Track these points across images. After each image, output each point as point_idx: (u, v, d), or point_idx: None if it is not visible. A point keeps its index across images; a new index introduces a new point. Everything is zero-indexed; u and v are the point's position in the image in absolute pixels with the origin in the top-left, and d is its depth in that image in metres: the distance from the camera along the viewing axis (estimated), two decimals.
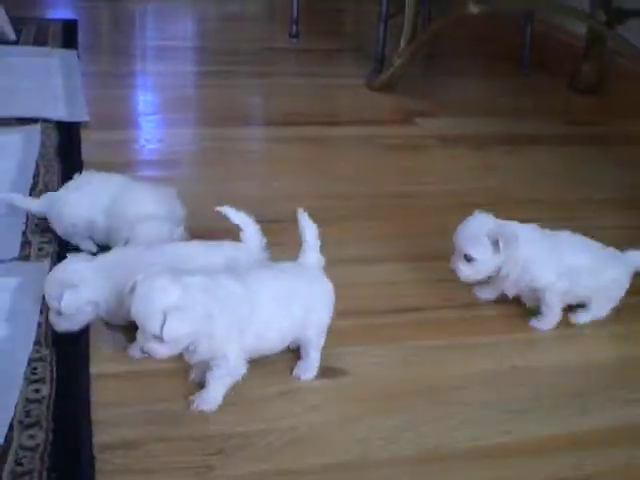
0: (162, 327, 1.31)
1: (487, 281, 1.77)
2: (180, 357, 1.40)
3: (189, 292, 1.35)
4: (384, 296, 1.83)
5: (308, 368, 1.52)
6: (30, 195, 2.10)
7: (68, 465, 1.26)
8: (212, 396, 1.41)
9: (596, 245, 1.77)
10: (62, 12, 4.44)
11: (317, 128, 2.91)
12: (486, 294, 1.80)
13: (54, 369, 1.48)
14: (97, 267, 1.57)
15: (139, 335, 1.36)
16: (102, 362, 1.52)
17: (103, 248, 1.81)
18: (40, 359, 1.50)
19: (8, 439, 1.30)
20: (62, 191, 1.92)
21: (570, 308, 1.77)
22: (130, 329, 1.45)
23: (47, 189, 2.15)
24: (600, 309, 1.76)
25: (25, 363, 1.48)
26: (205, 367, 1.43)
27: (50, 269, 1.66)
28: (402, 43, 3.23)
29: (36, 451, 1.28)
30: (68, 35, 3.82)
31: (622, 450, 1.41)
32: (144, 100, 3.24)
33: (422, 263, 1.94)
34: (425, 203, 2.32)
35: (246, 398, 1.43)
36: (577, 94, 3.39)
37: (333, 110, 3.17)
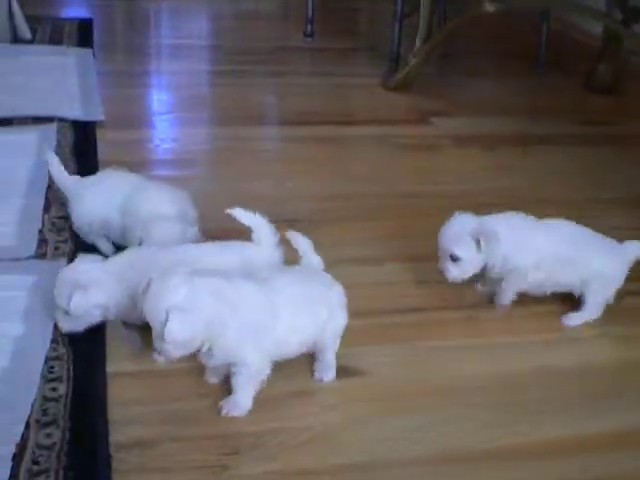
0: (163, 328, 1.32)
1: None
2: (195, 357, 1.41)
3: (196, 293, 1.34)
4: (396, 295, 1.83)
5: (327, 369, 1.52)
6: (46, 196, 2.11)
7: (84, 464, 1.27)
8: (241, 401, 1.41)
9: (590, 236, 1.78)
10: (77, 11, 4.45)
11: (332, 128, 2.91)
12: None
13: (71, 368, 1.49)
14: (109, 269, 1.58)
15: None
16: (119, 361, 1.53)
17: (119, 247, 1.82)
18: (57, 358, 1.51)
19: (25, 437, 1.31)
20: (80, 187, 1.93)
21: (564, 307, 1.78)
22: (146, 329, 1.45)
23: None
24: (593, 306, 1.75)
25: (42, 361, 1.49)
26: (224, 370, 1.43)
27: None
28: (417, 42, 3.23)
29: (52, 450, 1.29)
30: (83, 34, 3.83)
31: (635, 453, 1.41)
32: (159, 99, 3.25)
33: (435, 263, 1.93)
34: (439, 203, 2.31)
35: (261, 398, 1.43)
36: (592, 94, 3.38)
37: (348, 110, 3.17)
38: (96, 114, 2.75)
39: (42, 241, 1.90)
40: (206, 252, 1.63)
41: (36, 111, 2.72)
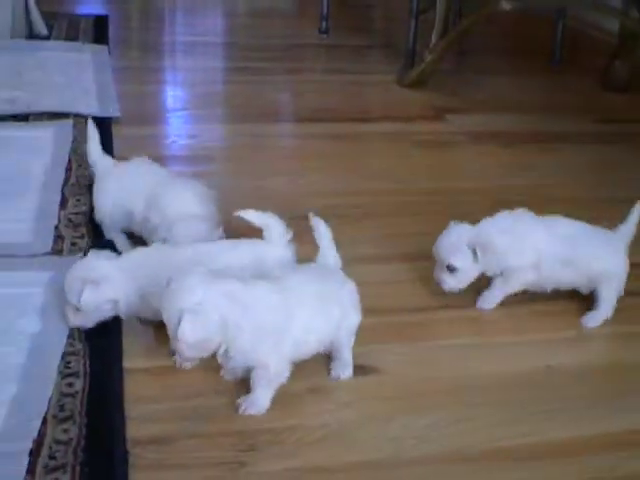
0: (177, 329, 1.32)
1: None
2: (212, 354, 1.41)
3: (211, 296, 1.34)
4: (411, 294, 1.83)
5: (344, 367, 1.52)
6: (62, 192, 2.11)
7: (101, 460, 1.27)
8: (259, 400, 1.41)
9: (590, 232, 1.77)
10: (93, 7, 4.47)
11: (346, 125, 2.91)
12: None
13: (87, 363, 1.49)
14: (121, 266, 1.57)
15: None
16: (135, 357, 1.53)
17: (137, 244, 1.82)
18: (73, 353, 1.51)
19: (41, 433, 1.31)
20: (109, 170, 1.93)
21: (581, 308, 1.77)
22: (162, 326, 1.45)
23: (79, 184, 2.17)
24: (607, 303, 1.74)
25: (59, 357, 1.49)
26: (242, 371, 1.43)
27: None
28: (433, 39, 3.22)
29: (69, 445, 1.29)
30: (99, 30, 3.84)
31: None
32: (174, 96, 3.25)
33: None
34: (454, 200, 2.31)
35: (277, 395, 1.42)
36: (608, 91, 3.36)
37: (363, 106, 3.17)
38: (112, 110, 2.76)
39: (58, 237, 1.91)
40: (218, 250, 1.62)
41: (52, 107, 2.73)
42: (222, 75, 3.55)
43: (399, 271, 1.91)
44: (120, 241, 1.88)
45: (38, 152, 2.38)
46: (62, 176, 2.21)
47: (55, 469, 1.25)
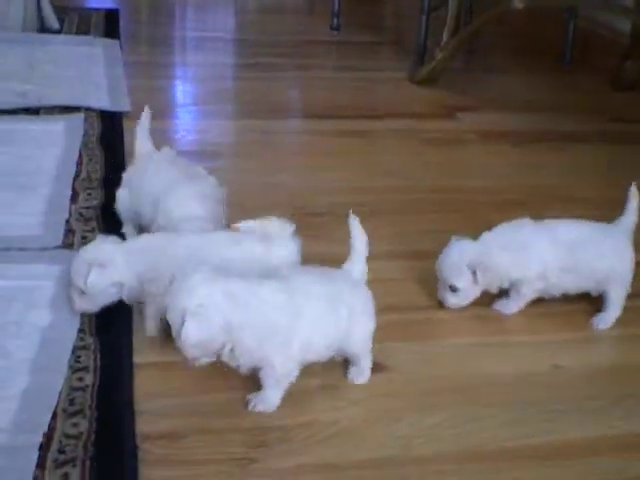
0: (180, 330, 1.32)
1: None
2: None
3: (213, 296, 1.33)
4: (421, 292, 1.83)
5: (361, 372, 1.51)
6: (73, 186, 2.11)
7: (110, 454, 1.27)
8: (269, 398, 1.41)
9: (593, 233, 1.75)
10: (104, 2, 4.47)
11: (357, 121, 2.91)
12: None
13: (98, 357, 1.49)
14: (124, 250, 1.58)
15: None
16: (146, 352, 1.53)
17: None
18: (84, 347, 1.52)
19: (52, 427, 1.31)
20: (143, 162, 1.92)
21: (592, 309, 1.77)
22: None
23: (90, 178, 2.18)
24: (617, 302, 1.74)
25: (69, 351, 1.49)
26: (248, 370, 1.42)
27: None
28: (445, 37, 3.22)
29: (79, 439, 1.29)
30: (110, 24, 3.85)
31: None
32: (184, 91, 3.26)
33: None
34: (464, 198, 2.31)
35: (288, 392, 1.42)
36: (619, 91, 3.36)
37: (373, 103, 3.16)
38: (123, 104, 2.76)
39: (69, 231, 1.91)
40: (221, 243, 1.60)
41: (63, 101, 2.74)
42: (232, 71, 3.55)
43: (407, 269, 1.91)
44: (128, 231, 1.88)
45: (49, 146, 2.38)
46: (73, 170, 2.22)
47: (65, 463, 1.25)
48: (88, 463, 1.25)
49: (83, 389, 1.41)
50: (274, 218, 1.59)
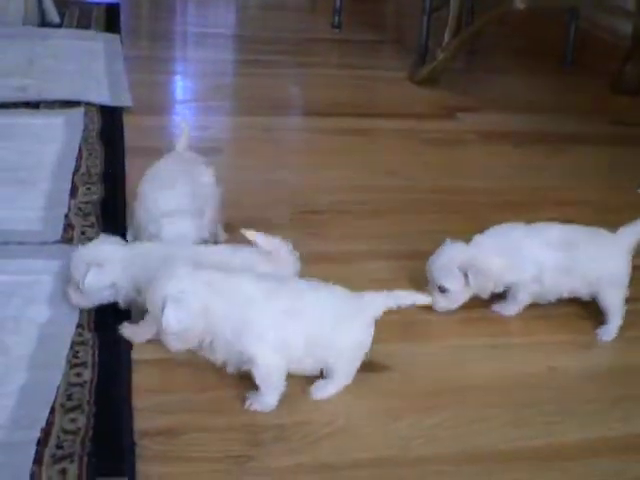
0: (161, 316, 1.33)
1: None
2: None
3: (193, 285, 1.35)
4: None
5: (324, 386, 1.46)
6: (73, 181, 2.10)
7: (108, 450, 1.27)
8: (265, 398, 1.40)
9: (588, 237, 1.74)
10: None
11: (357, 120, 2.90)
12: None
13: (96, 353, 1.49)
14: (123, 254, 1.58)
15: None
16: (144, 348, 1.53)
17: None
18: (82, 343, 1.51)
19: (49, 422, 1.31)
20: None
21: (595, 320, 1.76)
22: None
23: (89, 172, 2.17)
24: (617, 309, 1.72)
25: (68, 346, 1.49)
26: (234, 367, 1.42)
27: None
28: (446, 37, 3.22)
29: (77, 435, 1.29)
30: (111, 19, 3.84)
31: None
32: (185, 86, 3.25)
33: None
34: (464, 199, 2.31)
35: (285, 390, 1.42)
36: (619, 94, 3.36)
37: (374, 102, 3.16)
38: (123, 99, 2.75)
39: (68, 226, 1.91)
40: (217, 255, 1.59)
41: (63, 95, 2.73)
42: (233, 67, 3.55)
43: (407, 269, 1.90)
44: (132, 237, 1.86)
45: (49, 140, 2.38)
46: (72, 165, 2.21)
47: (62, 459, 1.24)
48: (86, 459, 1.24)
49: (81, 385, 1.40)
50: (278, 239, 1.58)
